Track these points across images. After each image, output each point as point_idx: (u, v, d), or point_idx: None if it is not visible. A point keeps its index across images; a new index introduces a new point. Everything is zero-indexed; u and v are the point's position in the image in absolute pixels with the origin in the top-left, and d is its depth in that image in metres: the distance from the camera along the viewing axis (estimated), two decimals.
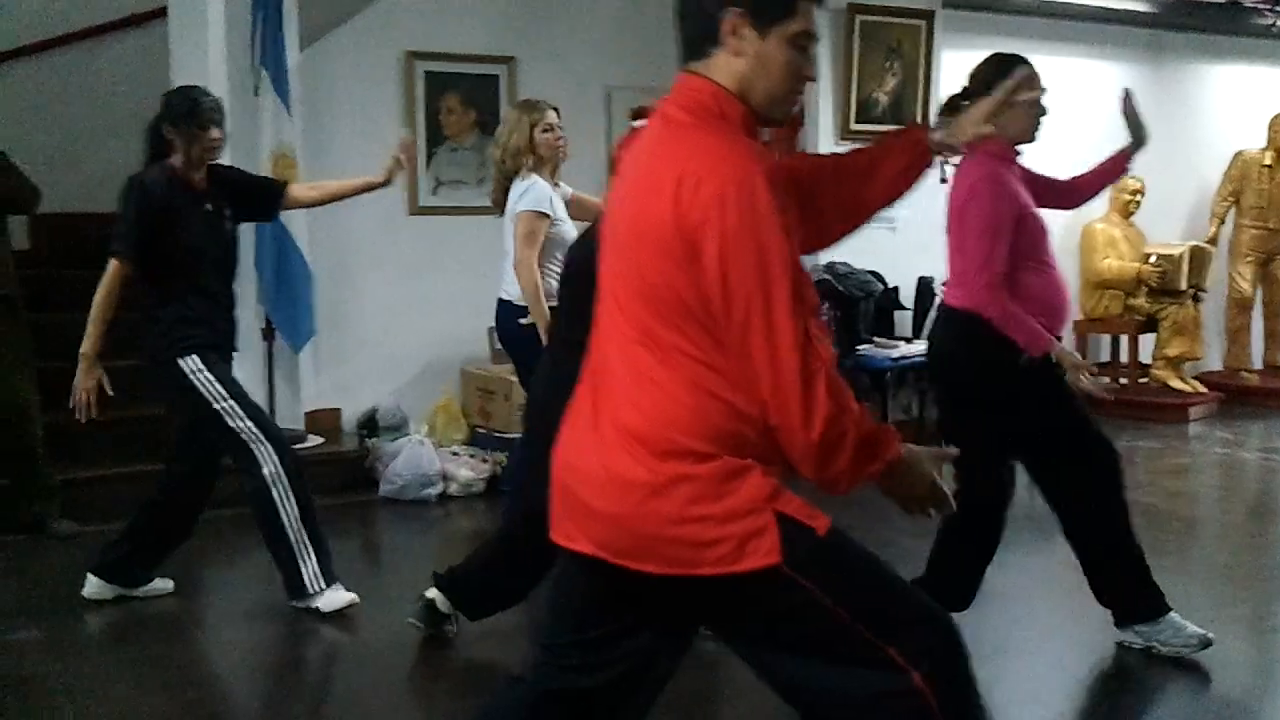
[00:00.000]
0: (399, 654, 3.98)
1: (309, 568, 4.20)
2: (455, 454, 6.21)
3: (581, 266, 3.60)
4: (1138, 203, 8.32)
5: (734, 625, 2.13)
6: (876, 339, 7.03)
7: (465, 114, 6.86)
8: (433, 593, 3.95)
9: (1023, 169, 3.81)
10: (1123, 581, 3.89)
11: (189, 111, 4.21)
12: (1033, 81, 3.56)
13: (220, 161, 4.44)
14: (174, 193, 4.20)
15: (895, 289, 7.23)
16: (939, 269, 7.25)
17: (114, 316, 4.10)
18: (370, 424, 6.39)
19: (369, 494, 5.95)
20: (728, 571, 1.99)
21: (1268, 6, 8.60)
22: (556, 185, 5.00)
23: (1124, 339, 8.27)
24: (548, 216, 4.78)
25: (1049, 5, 7.93)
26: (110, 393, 4.08)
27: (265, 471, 4.14)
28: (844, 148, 7.53)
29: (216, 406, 4.15)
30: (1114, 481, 3.86)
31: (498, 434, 6.27)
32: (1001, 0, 7.70)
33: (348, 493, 5.94)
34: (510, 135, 4.95)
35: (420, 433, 6.24)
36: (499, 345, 5.45)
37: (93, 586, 4.40)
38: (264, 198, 4.58)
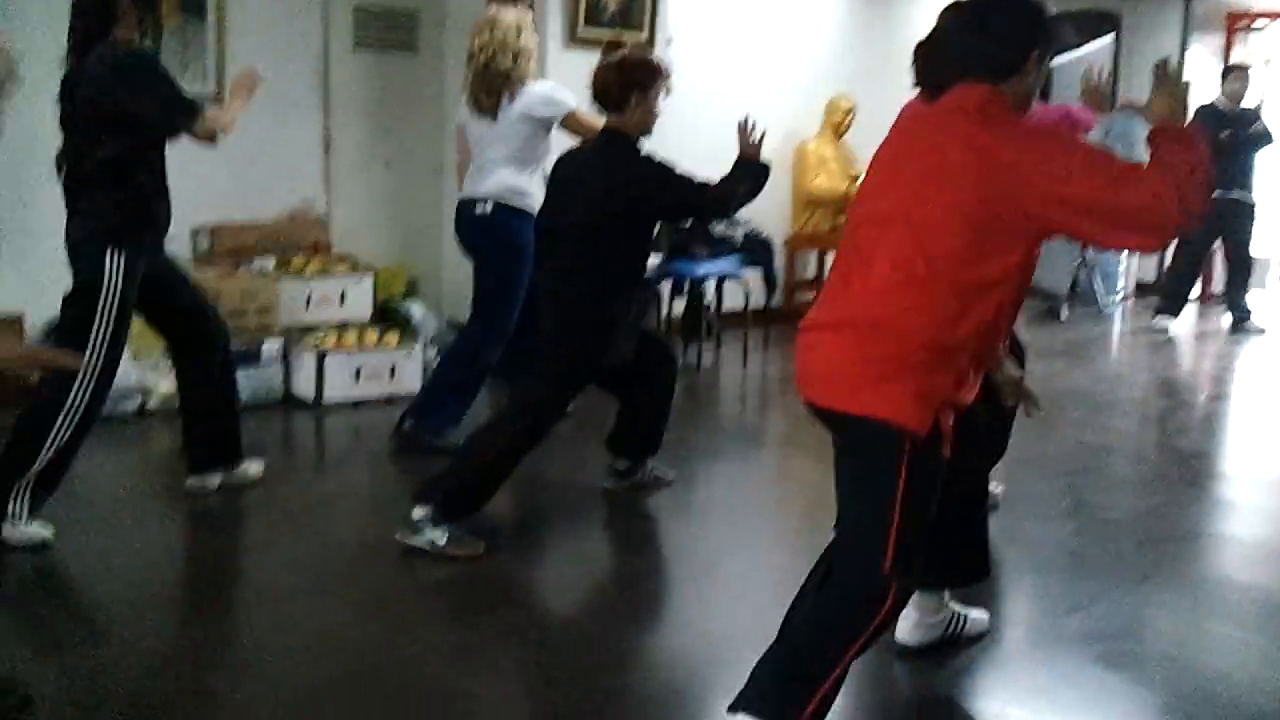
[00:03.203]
0: (93, 578, 3.84)
1: (22, 499, 3.99)
2: (155, 366, 5.83)
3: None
4: (848, 124, 8.56)
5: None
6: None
7: None
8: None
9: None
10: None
11: None
12: None
13: None
14: None
15: None
16: None
17: None
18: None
19: None
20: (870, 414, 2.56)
21: None
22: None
23: (831, 255, 8.53)
24: None
25: None
26: None
27: (69, 400, 3.96)
28: (572, 53, 7.40)
29: (98, 323, 3.98)
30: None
31: None
32: None
33: None
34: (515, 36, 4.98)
35: None
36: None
37: None
38: None
